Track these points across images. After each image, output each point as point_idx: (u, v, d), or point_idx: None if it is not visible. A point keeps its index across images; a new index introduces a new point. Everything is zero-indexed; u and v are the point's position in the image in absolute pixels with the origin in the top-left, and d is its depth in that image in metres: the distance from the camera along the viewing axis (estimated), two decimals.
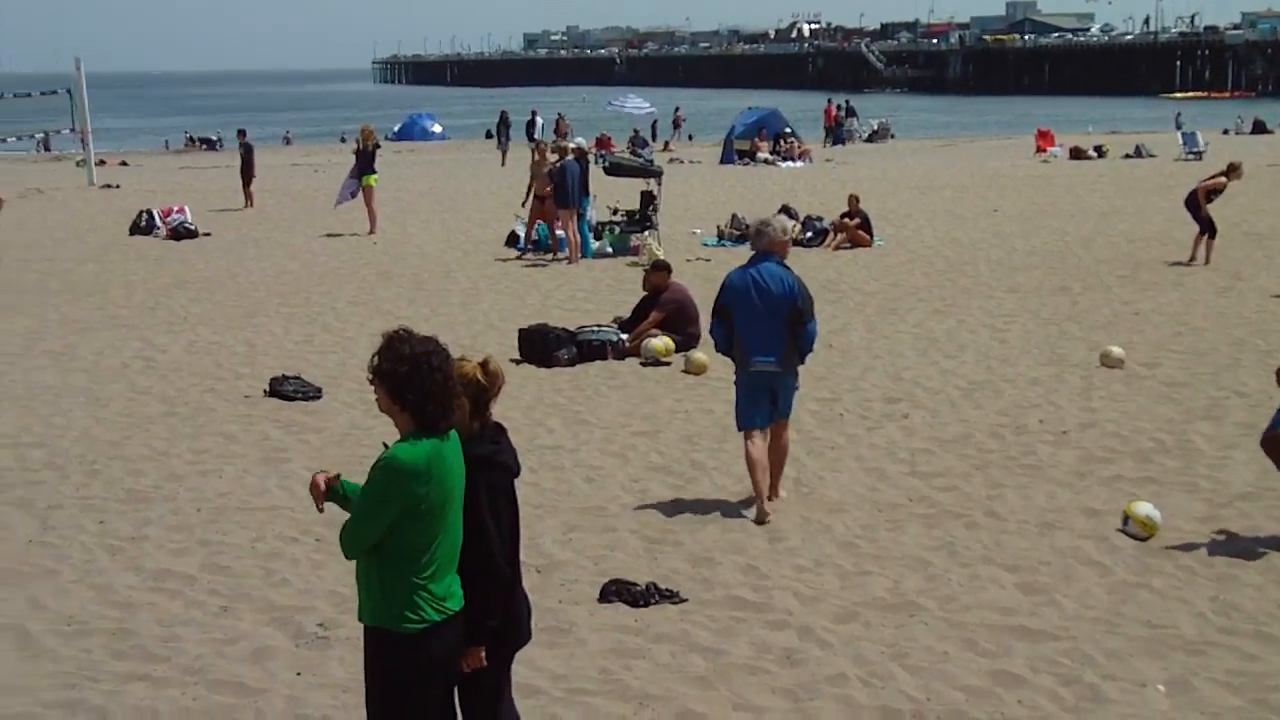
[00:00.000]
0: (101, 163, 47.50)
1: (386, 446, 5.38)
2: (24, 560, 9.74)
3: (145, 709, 7.38)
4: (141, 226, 29.29)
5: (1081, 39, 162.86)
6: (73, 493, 11.33)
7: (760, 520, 10.34)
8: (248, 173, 34.72)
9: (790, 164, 46.97)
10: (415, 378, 5.28)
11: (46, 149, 65.01)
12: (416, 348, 5.33)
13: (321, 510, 5.70)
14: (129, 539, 10.18)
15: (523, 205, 26.63)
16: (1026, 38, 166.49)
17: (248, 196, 34.57)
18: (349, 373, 15.45)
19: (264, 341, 17.48)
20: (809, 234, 25.41)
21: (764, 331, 10.35)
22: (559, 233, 24.68)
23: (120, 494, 11.28)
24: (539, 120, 56.35)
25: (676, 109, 71.15)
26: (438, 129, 76.91)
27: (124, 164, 54.14)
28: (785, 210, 27.61)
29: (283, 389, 14.50)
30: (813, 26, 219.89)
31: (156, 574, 9.44)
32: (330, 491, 5.56)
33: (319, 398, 14.37)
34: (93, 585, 9.24)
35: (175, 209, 30.09)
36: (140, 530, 10.36)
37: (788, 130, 51.35)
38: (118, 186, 41.00)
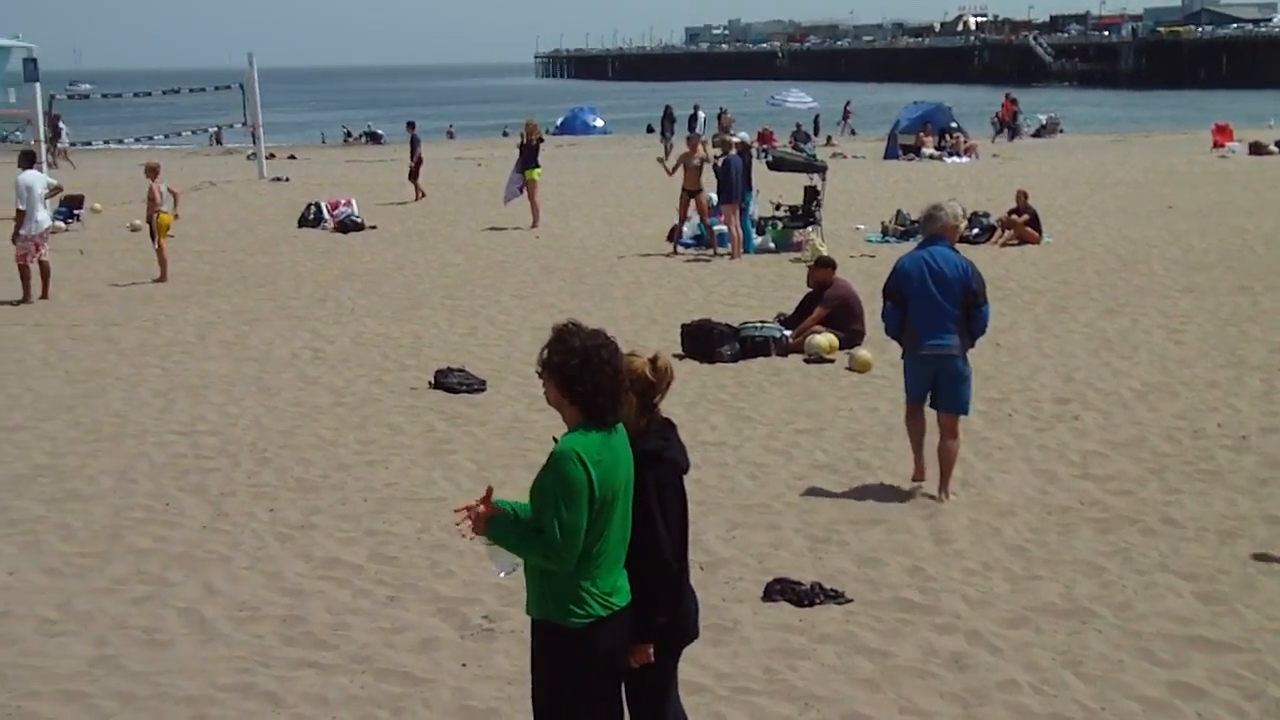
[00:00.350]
0: (271, 156, 48.48)
1: (556, 440, 5.37)
2: (199, 545, 9.95)
3: (315, 696, 7.48)
4: (309, 219, 29.85)
5: (1263, 29, 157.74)
6: (244, 480, 11.55)
7: (916, 479, 10.86)
8: (415, 164, 35.18)
9: (956, 159, 46.30)
10: (586, 371, 5.27)
11: (219, 143, 66.61)
12: (586, 340, 5.33)
13: (469, 533, 5.50)
14: (298, 527, 10.35)
15: (661, 158, 26.77)
16: (1203, 29, 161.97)
17: (417, 189, 35.03)
18: (513, 365, 15.56)
19: (429, 334, 17.67)
20: (975, 230, 24.97)
21: (937, 315, 10.40)
22: (719, 228, 24.60)
23: (290, 482, 11.47)
24: (701, 115, 56.25)
25: (847, 102, 70.51)
26: (599, 123, 77.16)
27: (292, 157, 55.19)
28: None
29: (448, 381, 14.64)
30: (979, 19, 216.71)
31: (325, 562, 9.58)
32: (491, 520, 5.43)
33: (483, 390, 14.48)
34: (264, 572, 9.41)
35: (342, 201, 30.60)
36: (309, 519, 10.53)
37: (953, 125, 50.61)
38: (287, 179, 41.81)
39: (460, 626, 8.41)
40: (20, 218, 20.57)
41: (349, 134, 76.11)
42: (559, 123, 75.27)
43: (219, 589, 9.09)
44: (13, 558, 9.75)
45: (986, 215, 26.12)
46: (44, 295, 20.69)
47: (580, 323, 5.45)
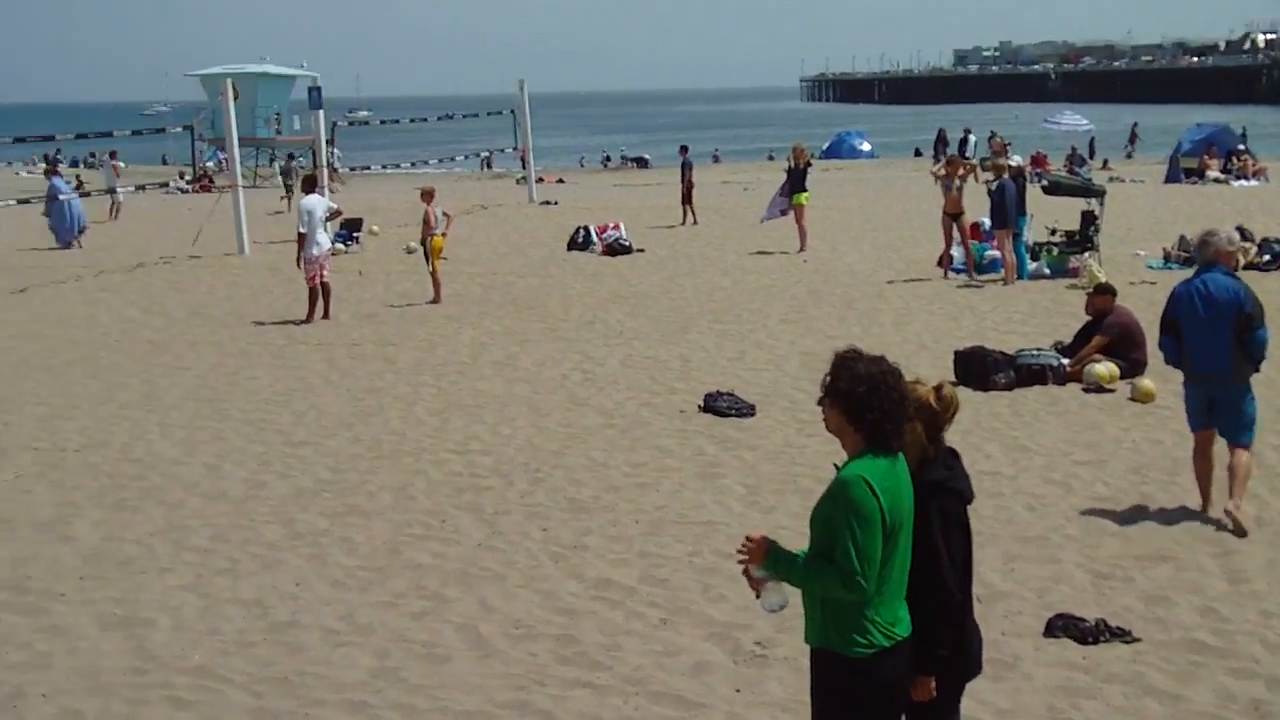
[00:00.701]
0: (540, 180, 49.38)
1: (838, 467, 5.32)
2: (474, 563, 10.11)
3: (590, 716, 7.51)
4: (578, 242, 30.24)
5: None
6: (518, 499, 11.71)
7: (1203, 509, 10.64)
8: (686, 188, 35.36)
9: (1244, 183, 44.42)
10: (874, 398, 5.23)
11: (488, 167, 68.35)
12: (871, 367, 5.29)
13: (755, 578, 5.43)
14: (571, 547, 10.43)
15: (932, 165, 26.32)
16: None
17: (687, 212, 35.21)
18: (782, 390, 15.46)
19: (697, 357, 17.69)
20: (1266, 257, 23.89)
21: (1210, 341, 10.32)
22: (991, 253, 24.11)
23: (562, 503, 11.58)
24: (971, 138, 55.43)
25: (1134, 124, 68.49)
26: (866, 147, 76.60)
27: (560, 181, 56.20)
28: (1239, 231, 26.02)
29: (717, 404, 14.62)
30: (1269, 37, 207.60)
31: (598, 583, 9.63)
32: (771, 551, 5.34)
33: (753, 414, 14.41)
34: (538, 590, 9.51)
35: (611, 225, 30.95)
36: (581, 539, 10.60)
37: (1240, 147, 48.63)
38: (555, 203, 42.56)
39: (733, 652, 8.35)
40: (302, 241, 21.38)
41: (608, 158, 77.27)
42: (825, 147, 75.02)
43: (494, 606, 9.22)
44: (299, 569, 10.07)
45: (1278, 241, 24.92)
46: (326, 315, 21.43)
47: (861, 349, 5.39)
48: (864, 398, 5.21)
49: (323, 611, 9.19)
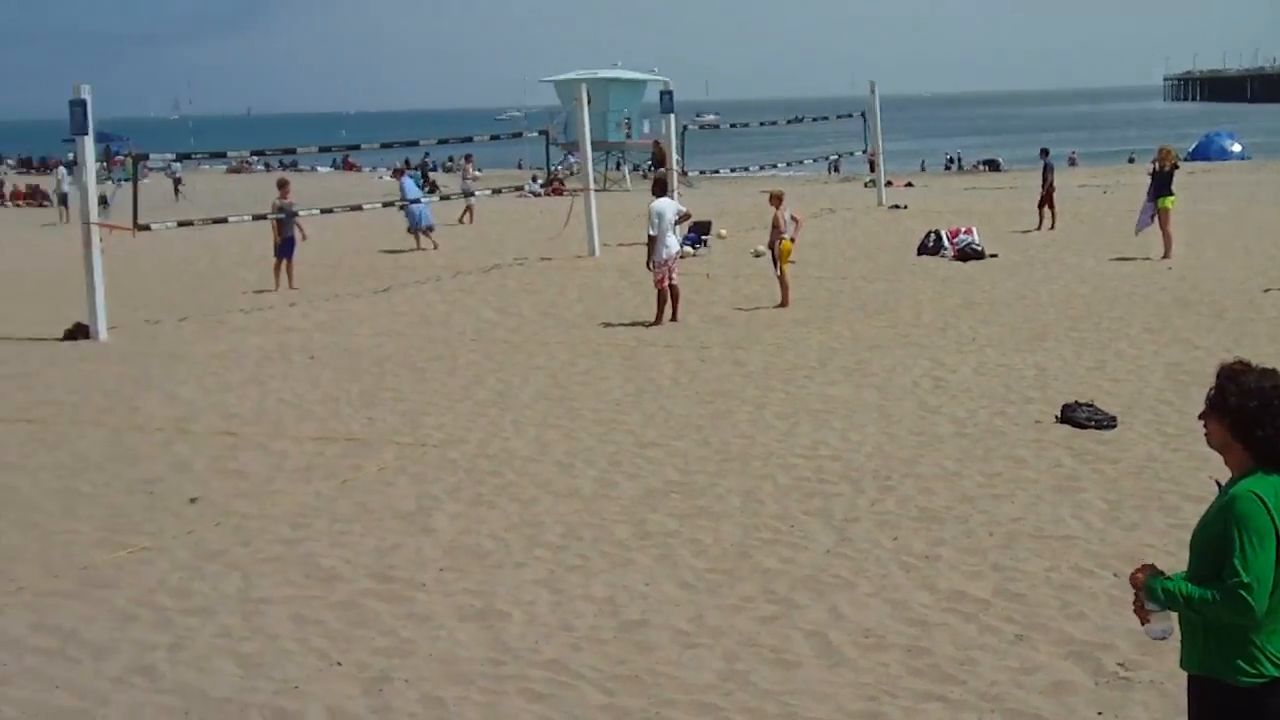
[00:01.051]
0: (889, 183, 48.88)
1: (1219, 483, 5.07)
2: (823, 569, 9.99)
3: None
4: (928, 246, 29.75)
5: None
6: (867, 507, 11.53)
7: None
8: (1046, 192, 34.36)
9: None
10: (1265, 413, 4.95)
11: (836, 170, 68.15)
12: (1262, 381, 5.01)
13: (1144, 615, 5.15)
14: (922, 557, 10.20)
15: None
16: None
17: (1043, 216, 34.22)
18: (1145, 402, 14.82)
19: (1054, 366, 17.12)
20: None
21: None
22: None
23: (913, 511, 11.35)
24: None
25: None
26: (1237, 148, 73.14)
27: (909, 185, 55.54)
28: None
29: (1075, 415, 14.10)
30: None
31: (950, 595, 9.38)
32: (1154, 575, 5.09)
33: (1113, 427, 13.83)
34: (888, 600, 9.33)
35: (963, 230, 30.30)
36: (933, 549, 10.36)
37: None
38: (905, 207, 42.03)
39: (1094, 672, 8.00)
40: (652, 243, 21.67)
41: (951, 160, 75.94)
42: (1192, 148, 71.99)
43: (844, 614, 9.08)
44: (649, 569, 10.15)
45: None
46: (674, 318, 21.64)
47: (1249, 362, 5.11)
48: (1254, 413, 4.94)
49: (672, 612, 9.22)
